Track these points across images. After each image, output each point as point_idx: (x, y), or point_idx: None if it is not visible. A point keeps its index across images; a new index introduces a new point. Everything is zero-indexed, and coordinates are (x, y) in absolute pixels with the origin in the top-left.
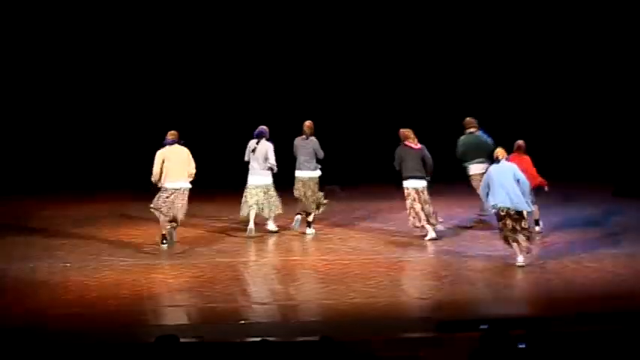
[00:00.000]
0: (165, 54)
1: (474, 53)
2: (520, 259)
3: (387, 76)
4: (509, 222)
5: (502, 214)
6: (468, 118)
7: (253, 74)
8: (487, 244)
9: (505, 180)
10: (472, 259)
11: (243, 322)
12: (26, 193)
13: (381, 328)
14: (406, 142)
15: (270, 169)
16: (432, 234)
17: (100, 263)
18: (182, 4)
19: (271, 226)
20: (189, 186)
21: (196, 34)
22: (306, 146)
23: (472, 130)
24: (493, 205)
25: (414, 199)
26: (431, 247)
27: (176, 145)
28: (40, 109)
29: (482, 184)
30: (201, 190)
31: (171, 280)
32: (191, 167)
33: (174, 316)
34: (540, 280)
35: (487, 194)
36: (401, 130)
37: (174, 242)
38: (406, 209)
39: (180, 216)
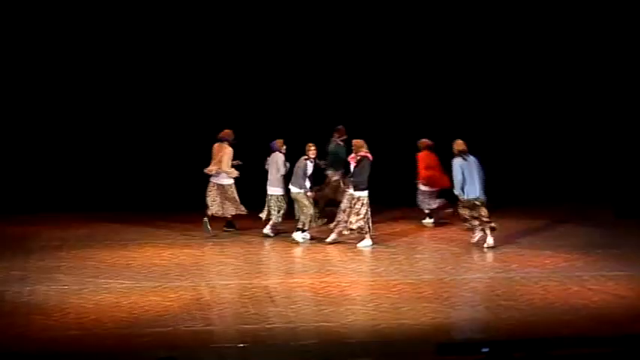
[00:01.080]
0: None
1: (458, 72)
2: (490, 241)
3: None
4: (484, 211)
5: (478, 204)
6: (342, 127)
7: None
8: (487, 267)
9: (477, 172)
10: (473, 281)
11: (242, 345)
12: (23, 214)
13: (382, 351)
14: (362, 152)
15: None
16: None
17: (98, 286)
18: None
19: (267, 229)
20: (224, 182)
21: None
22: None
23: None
24: (471, 198)
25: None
26: (431, 270)
27: (220, 143)
28: (38, 129)
29: (457, 176)
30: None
31: (169, 303)
32: (222, 165)
33: (173, 339)
34: (542, 302)
35: (462, 185)
36: (356, 140)
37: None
38: (362, 222)
39: (214, 210)
